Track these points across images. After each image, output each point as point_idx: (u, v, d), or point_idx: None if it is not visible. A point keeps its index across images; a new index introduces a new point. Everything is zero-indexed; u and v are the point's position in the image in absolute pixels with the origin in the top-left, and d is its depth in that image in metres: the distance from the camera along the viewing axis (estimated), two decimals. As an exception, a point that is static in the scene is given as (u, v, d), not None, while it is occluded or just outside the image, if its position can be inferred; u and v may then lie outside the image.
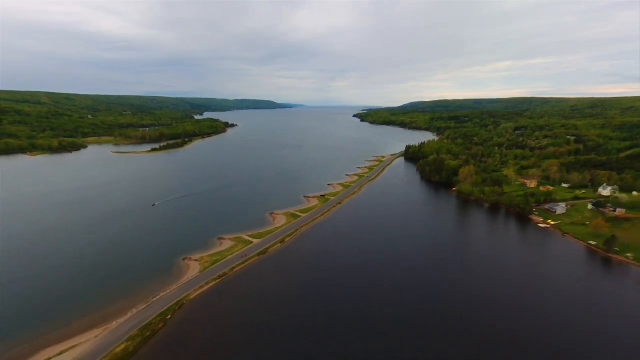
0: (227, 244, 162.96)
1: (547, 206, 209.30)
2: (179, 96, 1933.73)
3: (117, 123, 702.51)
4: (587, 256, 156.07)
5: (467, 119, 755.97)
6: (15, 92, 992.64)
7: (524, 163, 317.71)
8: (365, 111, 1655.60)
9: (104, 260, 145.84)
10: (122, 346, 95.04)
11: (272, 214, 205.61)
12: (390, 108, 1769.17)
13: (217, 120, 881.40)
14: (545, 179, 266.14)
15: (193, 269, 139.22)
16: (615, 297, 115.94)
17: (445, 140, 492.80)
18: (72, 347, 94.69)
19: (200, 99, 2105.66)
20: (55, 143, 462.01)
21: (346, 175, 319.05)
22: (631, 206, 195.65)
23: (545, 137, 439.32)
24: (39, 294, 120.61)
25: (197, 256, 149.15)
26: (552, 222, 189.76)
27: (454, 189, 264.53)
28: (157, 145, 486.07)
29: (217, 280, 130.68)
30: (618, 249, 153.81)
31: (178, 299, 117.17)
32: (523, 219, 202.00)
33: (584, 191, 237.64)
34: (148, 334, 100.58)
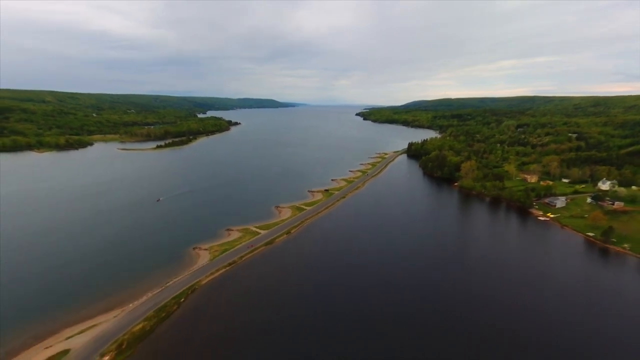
0: (235, 235, 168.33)
1: (546, 200, 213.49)
2: (181, 95, 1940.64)
3: (121, 121, 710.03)
4: (585, 247, 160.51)
5: (469, 117, 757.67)
6: (20, 90, 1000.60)
7: (525, 159, 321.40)
8: (368, 110, 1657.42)
9: (116, 250, 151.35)
10: (140, 325, 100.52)
11: (277, 207, 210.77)
12: (392, 107, 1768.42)
13: (220, 119, 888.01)
14: (546, 175, 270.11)
15: (203, 257, 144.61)
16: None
17: (448, 138, 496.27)
18: (92, 326, 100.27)
19: (203, 97, 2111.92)
20: (62, 140, 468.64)
21: (349, 171, 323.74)
22: (629, 199, 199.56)
23: (547, 134, 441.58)
24: (58, 279, 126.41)
25: (207, 245, 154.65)
26: (552, 215, 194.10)
27: (455, 184, 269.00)
28: (162, 143, 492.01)
29: (227, 268, 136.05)
30: (615, 240, 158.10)
31: (190, 284, 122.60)
32: (523, 212, 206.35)
33: (583, 186, 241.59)
34: (163, 314, 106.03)
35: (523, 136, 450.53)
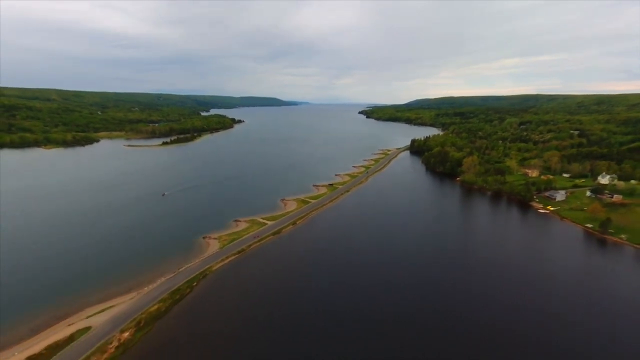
0: (242, 225, 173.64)
1: (547, 193, 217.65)
2: (184, 93, 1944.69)
3: (126, 119, 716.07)
4: (583, 238, 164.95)
5: (472, 115, 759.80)
6: (25, 89, 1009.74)
7: (526, 155, 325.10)
8: (371, 108, 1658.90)
9: (128, 239, 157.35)
10: (156, 306, 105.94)
11: (283, 200, 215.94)
12: (395, 105, 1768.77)
13: (224, 116, 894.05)
14: (547, 169, 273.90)
15: (213, 245, 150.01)
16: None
17: (450, 135, 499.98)
18: (111, 307, 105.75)
19: (205, 96, 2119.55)
20: (69, 137, 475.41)
21: (353, 166, 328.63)
22: (628, 192, 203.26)
23: (549, 131, 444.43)
24: (75, 265, 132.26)
25: (216, 235, 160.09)
26: (552, 208, 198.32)
27: (457, 179, 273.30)
28: (167, 139, 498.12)
29: (236, 255, 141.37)
30: (613, 231, 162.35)
31: (202, 270, 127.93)
32: (524, 205, 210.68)
33: (583, 180, 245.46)
34: (177, 297, 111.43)
35: (525, 133, 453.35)
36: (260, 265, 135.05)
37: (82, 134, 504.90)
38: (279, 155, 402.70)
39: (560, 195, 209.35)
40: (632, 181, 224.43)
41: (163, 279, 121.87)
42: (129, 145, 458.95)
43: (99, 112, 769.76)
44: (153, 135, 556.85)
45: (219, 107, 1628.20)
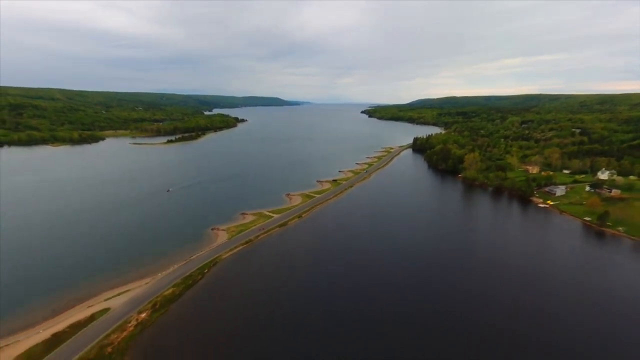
0: (249, 218, 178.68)
1: (547, 189, 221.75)
2: (186, 93, 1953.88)
3: (130, 118, 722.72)
4: (582, 230, 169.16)
5: (474, 114, 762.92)
6: (29, 88, 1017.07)
7: (527, 152, 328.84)
8: (373, 107, 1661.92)
9: (140, 231, 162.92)
10: (170, 290, 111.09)
11: (288, 194, 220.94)
12: (397, 105, 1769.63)
13: (227, 116, 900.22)
14: (547, 166, 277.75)
15: (222, 236, 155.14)
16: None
17: (452, 133, 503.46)
18: (127, 291, 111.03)
19: (208, 95, 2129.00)
20: (75, 135, 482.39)
21: (356, 163, 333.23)
22: (626, 187, 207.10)
23: (551, 129, 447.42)
24: (90, 254, 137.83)
25: (224, 227, 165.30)
26: (551, 203, 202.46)
27: (459, 175, 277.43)
28: (172, 138, 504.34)
29: (244, 245, 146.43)
30: (610, 224, 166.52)
31: (212, 258, 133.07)
32: (524, 200, 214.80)
33: (583, 176, 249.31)
34: (190, 282, 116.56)
35: (527, 132, 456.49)
36: (267, 255, 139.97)
37: (89, 132, 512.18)
38: (282, 153, 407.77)
39: (560, 191, 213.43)
40: (631, 177, 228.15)
41: (175, 266, 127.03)
42: (134, 143, 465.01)
43: (103, 111, 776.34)
44: (158, 133, 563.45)
45: (222, 107, 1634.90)
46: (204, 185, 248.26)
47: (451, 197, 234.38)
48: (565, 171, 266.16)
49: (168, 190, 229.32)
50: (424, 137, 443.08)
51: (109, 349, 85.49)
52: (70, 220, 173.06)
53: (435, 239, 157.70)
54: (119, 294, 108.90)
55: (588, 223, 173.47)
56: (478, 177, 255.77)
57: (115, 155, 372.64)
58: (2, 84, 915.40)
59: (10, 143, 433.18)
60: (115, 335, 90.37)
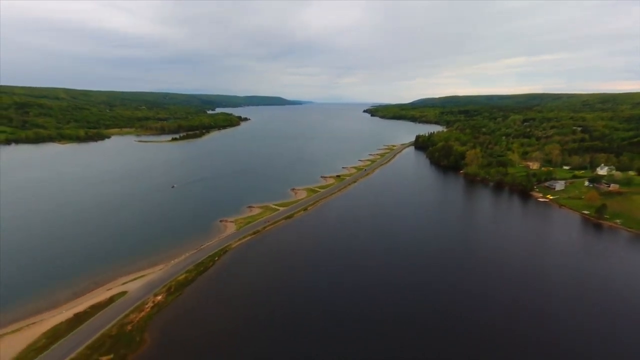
0: (256, 211, 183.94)
1: (547, 183, 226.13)
2: (189, 93, 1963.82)
3: (135, 116, 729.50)
4: (580, 223, 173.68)
5: (476, 113, 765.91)
6: (33, 88, 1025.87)
7: (528, 149, 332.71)
8: (375, 107, 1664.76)
9: (150, 223, 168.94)
10: (183, 275, 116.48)
11: (293, 189, 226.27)
12: (399, 104, 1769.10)
13: (231, 114, 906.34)
14: (547, 162, 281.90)
15: (230, 227, 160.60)
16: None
17: (454, 131, 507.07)
18: (142, 276, 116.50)
19: (210, 95, 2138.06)
20: (82, 133, 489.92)
21: (359, 160, 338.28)
22: (625, 182, 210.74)
23: (552, 127, 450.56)
24: (105, 243, 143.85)
25: (232, 219, 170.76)
26: (551, 197, 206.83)
27: (461, 171, 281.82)
28: (177, 136, 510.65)
29: (252, 235, 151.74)
30: (608, 216, 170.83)
31: (222, 247, 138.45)
32: (524, 194, 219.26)
33: (582, 172, 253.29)
34: (202, 269, 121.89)
35: (528, 129, 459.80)
36: (275, 244, 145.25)
37: (94, 130, 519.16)
38: (286, 150, 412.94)
39: (559, 185, 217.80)
40: (630, 172, 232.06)
41: (187, 254, 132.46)
42: (140, 141, 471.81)
43: (107, 110, 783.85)
44: (162, 131, 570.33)
45: (224, 106, 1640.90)
46: (211, 181, 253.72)
47: (452, 192, 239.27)
48: (565, 167, 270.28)
49: (173, 187, 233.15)
50: (426, 134, 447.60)
51: (129, 327, 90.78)
52: (84, 213, 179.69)
53: (435, 237, 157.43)
54: (134, 279, 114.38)
55: (586, 216, 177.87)
56: (479, 172, 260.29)
57: (123, 153, 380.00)
58: (5, 84, 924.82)
59: (18, 141, 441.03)
60: (134, 315, 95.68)
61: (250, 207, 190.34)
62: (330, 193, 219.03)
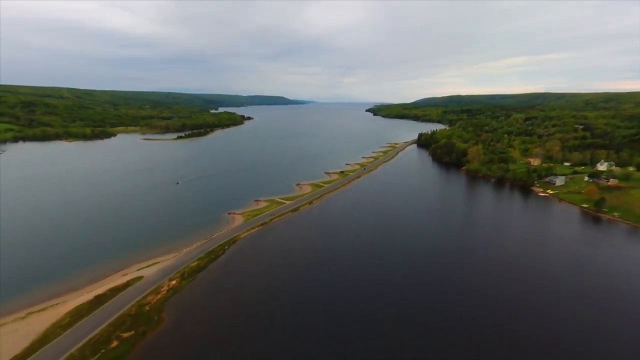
0: (263, 204, 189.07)
1: (547, 179, 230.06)
2: (192, 92, 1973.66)
3: (139, 115, 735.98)
4: (579, 216, 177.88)
5: (479, 112, 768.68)
6: (38, 87, 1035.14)
7: (529, 146, 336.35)
8: (378, 106, 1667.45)
9: (160, 215, 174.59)
10: (195, 262, 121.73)
11: (298, 184, 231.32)
12: (402, 104, 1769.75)
13: (234, 113, 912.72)
14: (548, 159, 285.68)
15: (238, 219, 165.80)
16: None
17: (457, 129, 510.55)
18: (156, 263, 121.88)
19: (213, 95, 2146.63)
20: (88, 131, 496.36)
21: (362, 157, 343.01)
22: (624, 177, 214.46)
23: (554, 125, 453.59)
24: (118, 233, 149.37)
25: (240, 211, 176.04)
26: (551, 192, 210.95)
27: (463, 168, 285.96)
28: (182, 134, 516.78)
29: (260, 227, 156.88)
30: (606, 210, 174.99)
31: (231, 237, 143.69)
32: (525, 190, 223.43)
33: (582, 167, 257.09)
34: (213, 256, 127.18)
35: (530, 128, 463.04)
36: (282, 235, 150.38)
37: (100, 129, 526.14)
38: (290, 148, 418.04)
39: (560, 180, 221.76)
40: (630, 167, 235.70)
41: (198, 243, 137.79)
42: (145, 139, 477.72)
43: (112, 109, 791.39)
44: (167, 130, 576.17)
45: (227, 106, 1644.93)
46: (218, 177, 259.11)
47: (454, 187, 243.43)
48: (566, 163, 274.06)
49: (177, 183, 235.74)
50: (429, 132, 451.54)
51: (147, 307, 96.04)
52: (94, 207, 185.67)
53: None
54: (149, 265, 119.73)
55: (585, 209, 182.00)
56: (481, 169, 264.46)
57: (129, 150, 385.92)
58: (9, 83, 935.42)
59: (25, 138, 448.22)
60: (151, 297, 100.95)
61: (257, 200, 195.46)
62: (335, 188, 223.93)
